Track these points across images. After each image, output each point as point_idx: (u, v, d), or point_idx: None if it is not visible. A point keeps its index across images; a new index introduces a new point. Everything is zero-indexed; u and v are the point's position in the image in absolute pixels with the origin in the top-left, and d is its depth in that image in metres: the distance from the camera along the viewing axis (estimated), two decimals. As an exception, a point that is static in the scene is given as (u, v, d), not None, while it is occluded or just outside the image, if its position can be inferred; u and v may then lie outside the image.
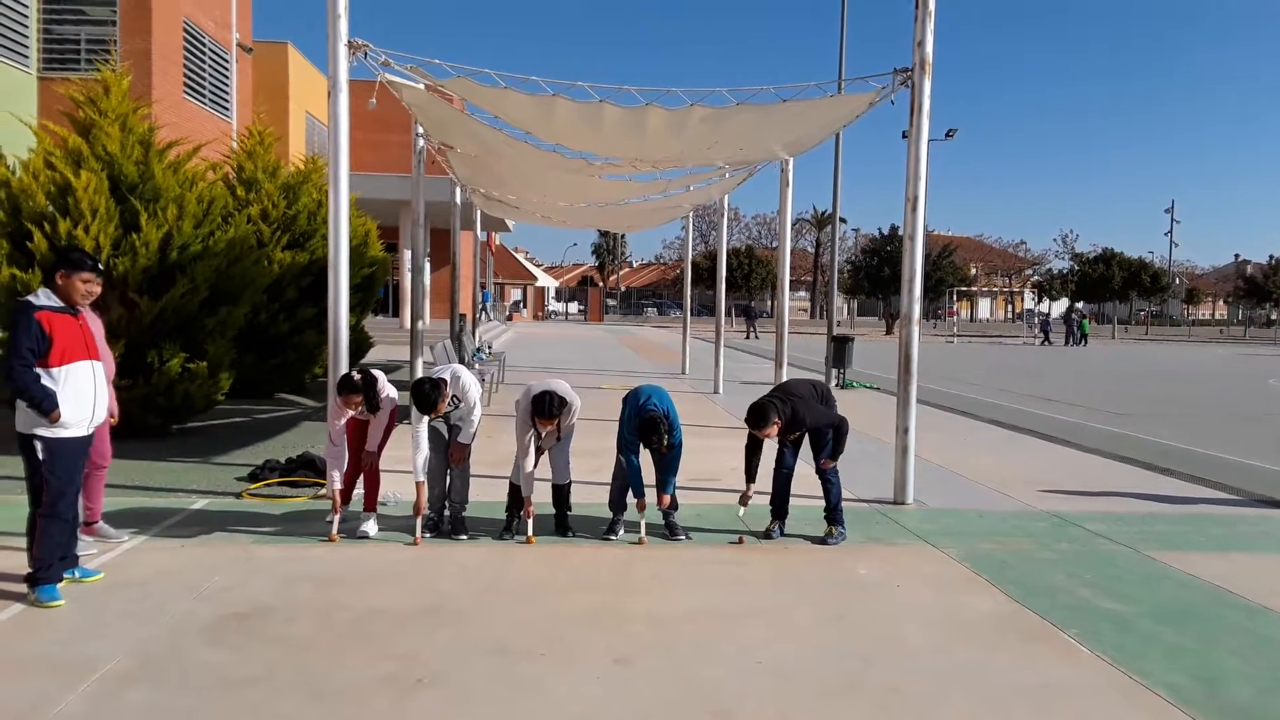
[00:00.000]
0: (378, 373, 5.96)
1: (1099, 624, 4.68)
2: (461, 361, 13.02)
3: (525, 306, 69.75)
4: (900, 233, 7.39)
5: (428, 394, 5.63)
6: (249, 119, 25.00)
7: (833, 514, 6.16)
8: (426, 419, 5.81)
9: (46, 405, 4.55)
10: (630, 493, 6.07)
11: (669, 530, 6.10)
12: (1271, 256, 64.32)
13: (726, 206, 15.39)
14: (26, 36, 18.77)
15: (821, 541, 6.08)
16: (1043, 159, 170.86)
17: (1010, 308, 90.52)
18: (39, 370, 4.57)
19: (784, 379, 11.66)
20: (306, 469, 7.20)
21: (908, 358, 7.34)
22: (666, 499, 6.05)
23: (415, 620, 4.47)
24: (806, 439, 6.27)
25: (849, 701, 3.73)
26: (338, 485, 5.83)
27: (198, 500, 6.76)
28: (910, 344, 7.32)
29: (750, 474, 6.19)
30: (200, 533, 5.89)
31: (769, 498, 6.34)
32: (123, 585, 4.86)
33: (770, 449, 6.27)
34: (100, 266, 5.02)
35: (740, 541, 6.06)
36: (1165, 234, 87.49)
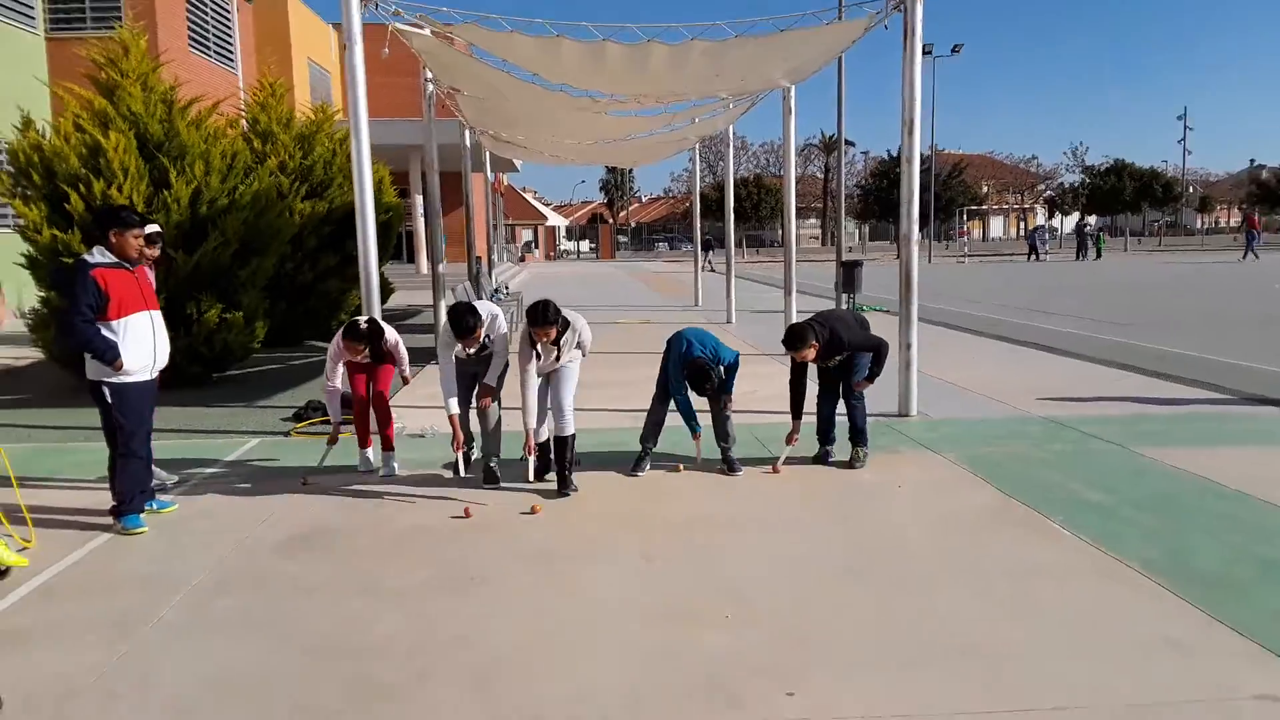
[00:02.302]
0: (384, 324, 6.29)
1: (1084, 513, 5.12)
2: (479, 300, 13.44)
3: (537, 247, 69.86)
4: (905, 154, 7.66)
5: (465, 319, 5.44)
6: (253, 69, 25.14)
7: (859, 436, 6.23)
8: (453, 355, 5.67)
9: (109, 355, 4.98)
10: (678, 424, 6.16)
11: (728, 466, 6.11)
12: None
13: (732, 136, 15.57)
14: (31, -2, 18.89)
15: (849, 465, 6.15)
16: (1053, 72, 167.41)
17: (1023, 225, 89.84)
18: (99, 324, 5.00)
19: (793, 306, 12.06)
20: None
21: (908, 277, 7.68)
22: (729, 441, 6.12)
23: (460, 534, 4.96)
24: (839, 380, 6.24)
25: (853, 584, 4.20)
26: (337, 417, 6.14)
27: (249, 440, 7.27)
28: (910, 264, 7.65)
29: (796, 410, 6.12)
30: (257, 467, 6.40)
31: (817, 433, 6.37)
32: (195, 516, 5.37)
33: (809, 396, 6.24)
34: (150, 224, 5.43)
35: (775, 470, 6.08)
36: (1178, 142, 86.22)
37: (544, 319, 5.38)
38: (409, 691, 3.26)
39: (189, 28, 21.30)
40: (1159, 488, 5.60)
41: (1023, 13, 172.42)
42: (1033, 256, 43.08)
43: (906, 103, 7.35)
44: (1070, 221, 70.42)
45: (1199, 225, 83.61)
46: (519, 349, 5.57)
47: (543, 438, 5.77)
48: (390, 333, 6.28)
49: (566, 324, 5.55)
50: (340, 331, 6.06)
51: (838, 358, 6.09)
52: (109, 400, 5.06)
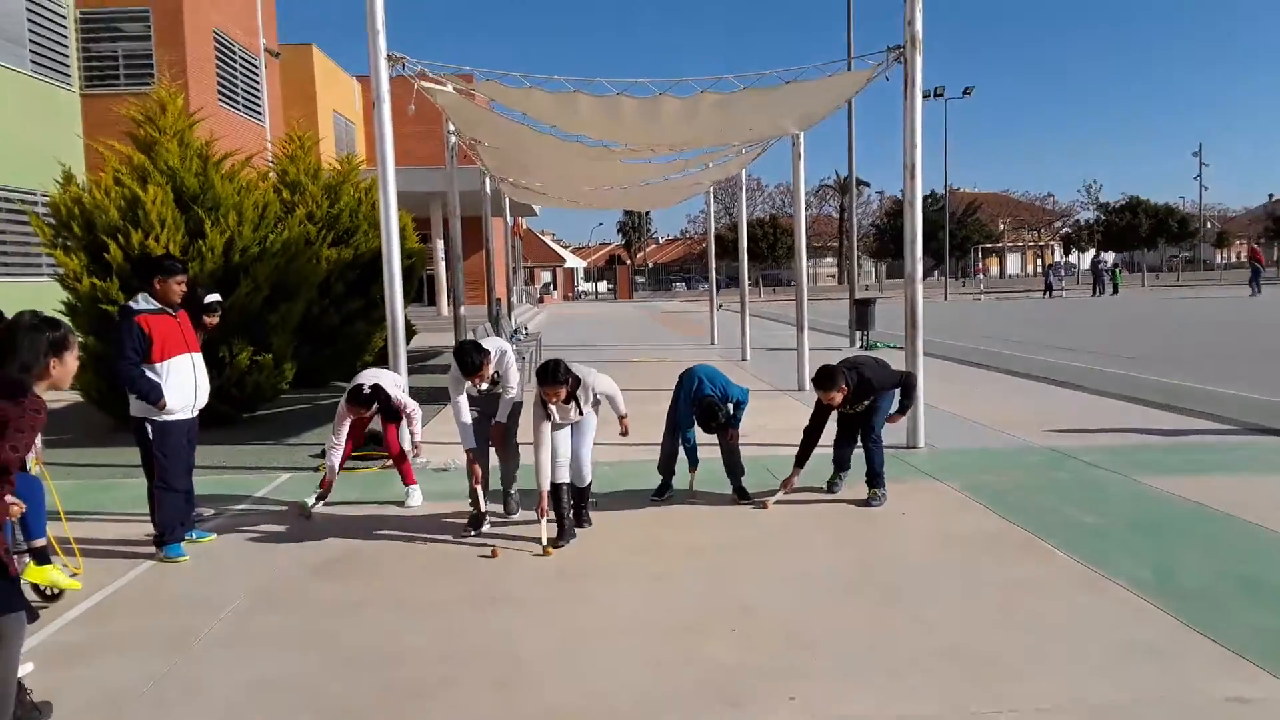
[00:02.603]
0: (385, 382, 6.63)
1: (1078, 534, 5.34)
2: (500, 342, 13.81)
3: (555, 288, 70.59)
4: (907, 198, 7.99)
5: (469, 356, 5.48)
6: (280, 121, 25.95)
7: (876, 478, 6.23)
8: (465, 394, 5.72)
9: (153, 396, 5.34)
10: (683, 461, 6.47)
11: (739, 495, 6.33)
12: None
13: (745, 181, 15.99)
14: (67, 57, 19.67)
15: (865, 504, 6.12)
16: (1070, 111, 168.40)
17: (1040, 262, 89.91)
18: (144, 367, 5.36)
19: (805, 343, 12.35)
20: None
21: (913, 314, 7.97)
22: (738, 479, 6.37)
23: (482, 559, 5.24)
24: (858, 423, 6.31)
25: (853, 597, 4.46)
26: (335, 473, 6.44)
27: (281, 475, 7.60)
28: (915, 302, 7.95)
29: (802, 457, 6.17)
30: (290, 500, 6.72)
31: (833, 461, 6.47)
32: (233, 544, 5.69)
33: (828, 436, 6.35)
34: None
35: (765, 507, 6.15)
36: (1194, 178, 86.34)
37: (553, 379, 5.30)
38: (435, 694, 3.54)
39: (218, 83, 22.08)
40: (1152, 511, 5.82)
41: (1040, 54, 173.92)
42: (1049, 293, 43.22)
43: (908, 148, 7.70)
44: (1087, 258, 70.56)
45: (1218, 260, 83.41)
46: (533, 411, 5.49)
47: (560, 479, 5.61)
48: (409, 404, 6.67)
49: (577, 382, 5.49)
50: (345, 396, 6.49)
51: (864, 403, 6.16)
52: (150, 437, 5.40)
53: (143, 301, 5.48)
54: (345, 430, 6.54)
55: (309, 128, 20.13)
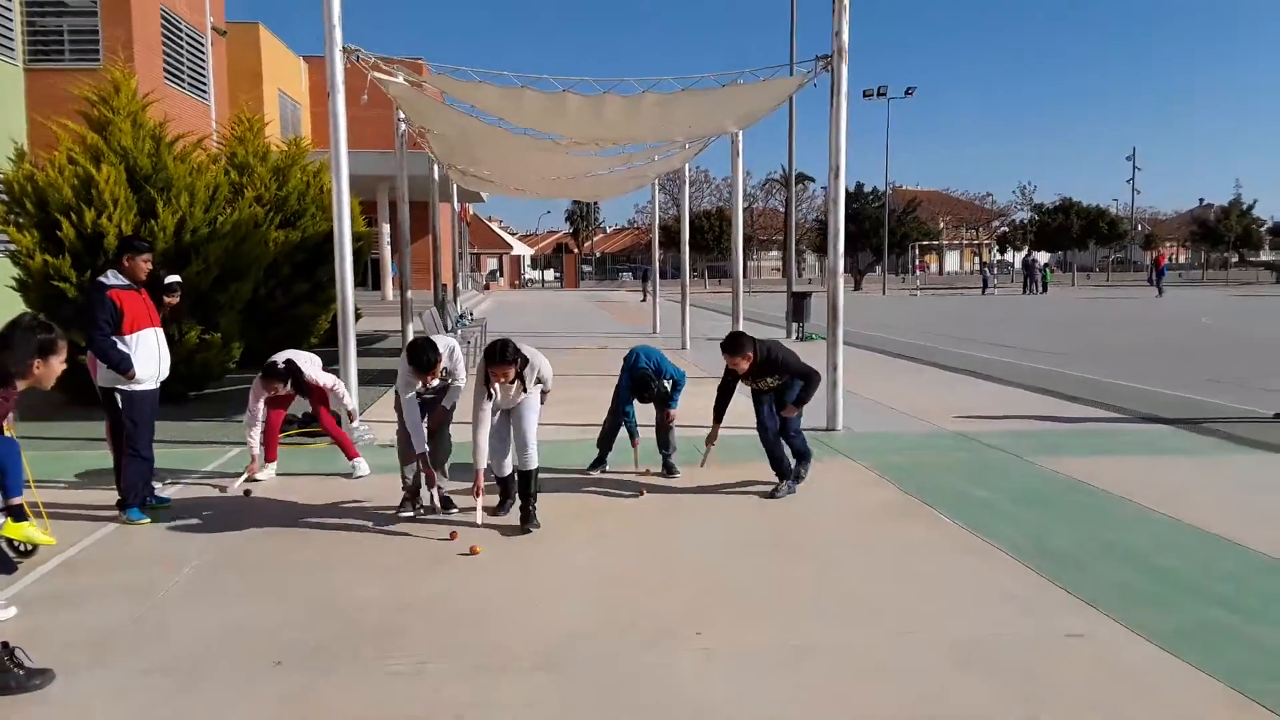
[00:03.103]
0: (300, 361, 6.90)
1: (968, 506, 5.96)
2: (445, 328, 14.16)
3: (501, 275, 70.51)
4: (831, 196, 8.55)
5: (425, 354, 5.48)
6: (225, 100, 25.76)
7: (802, 457, 6.53)
8: (414, 393, 5.65)
9: (124, 366, 5.67)
10: (625, 435, 6.97)
11: (666, 470, 6.85)
12: (1239, 196, 66.12)
13: (688, 175, 16.50)
14: (11, 30, 19.37)
15: (771, 496, 6.25)
16: (1012, 112, 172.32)
17: (978, 259, 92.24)
18: (115, 338, 5.69)
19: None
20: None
21: (834, 307, 8.55)
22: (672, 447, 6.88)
23: (432, 526, 5.67)
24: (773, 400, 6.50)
25: (763, 553, 5.01)
26: (256, 450, 6.74)
27: (230, 450, 7.90)
28: (836, 295, 8.53)
29: (718, 412, 6.45)
30: (241, 472, 7.05)
31: (772, 467, 6.48)
32: (189, 511, 6.02)
33: (748, 413, 6.61)
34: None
35: (700, 465, 6.62)
36: (1127, 181, 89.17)
37: (502, 358, 5.31)
38: (395, 635, 3.98)
39: (164, 60, 21.90)
40: (1037, 487, 6.47)
41: (984, 55, 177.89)
42: (985, 290, 44.64)
43: (833, 151, 8.26)
44: (1021, 257, 72.70)
45: (1147, 261, 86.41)
46: (475, 388, 5.48)
47: (505, 472, 5.76)
48: (326, 379, 7.00)
49: (525, 362, 5.53)
50: (261, 372, 6.74)
51: (769, 379, 6.33)
52: (119, 405, 5.72)
53: (112, 277, 5.80)
54: (260, 407, 6.78)
55: (255, 107, 20.16)
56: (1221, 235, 59.56)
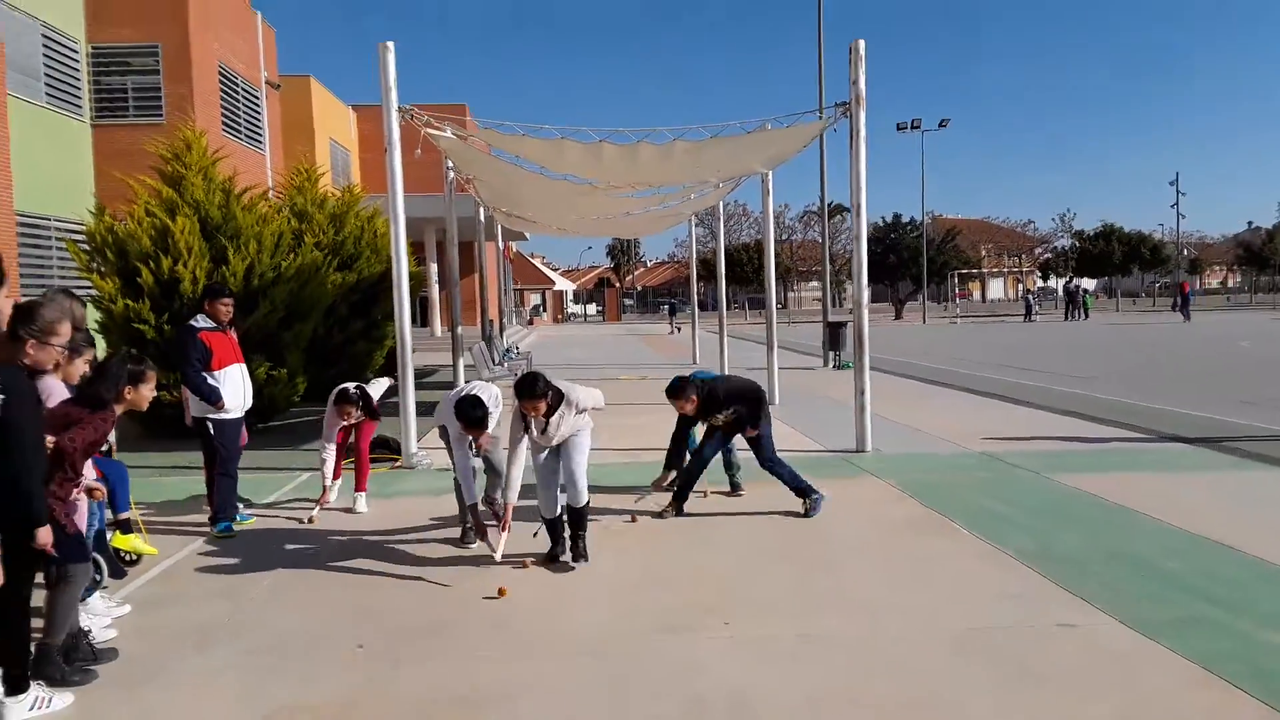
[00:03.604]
0: (370, 389, 7.37)
1: (984, 519, 6.36)
2: (493, 362, 14.81)
3: (545, 310, 71.60)
4: (854, 233, 9.04)
5: (473, 412, 5.50)
6: (280, 149, 26.98)
7: (798, 490, 6.67)
8: (467, 451, 5.75)
9: (213, 398, 6.35)
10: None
11: (734, 489, 7.24)
12: (1277, 224, 65.21)
13: (722, 211, 17.09)
14: (79, 89, 20.63)
15: (805, 515, 6.53)
16: (1054, 139, 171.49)
17: (1021, 286, 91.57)
18: (205, 374, 6.36)
19: (774, 362, 13.39)
20: (382, 448, 8.96)
21: (860, 336, 9.02)
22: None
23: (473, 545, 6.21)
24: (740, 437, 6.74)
25: (784, 562, 5.47)
26: (328, 481, 7.01)
27: (301, 475, 8.56)
28: (862, 325, 9.00)
29: (670, 460, 6.53)
30: (311, 495, 7.67)
31: (683, 468, 6.69)
32: (269, 528, 6.65)
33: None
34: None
35: (633, 520, 6.50)
36: (1171, 206, 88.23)
37: (531, 392, 5.25)
38: (442, 631, 4.52)
39: (222, 114, 23.12)
40: (1052, 501, 6.85)
41: (1027, 83, 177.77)
42: (1028, 317, 44.51)
43: (854, 190, 8.78)
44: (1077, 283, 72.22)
45: (1198, 286, 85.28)
46: (510, 424, 5.47)
47: (553, 513, 5.58)
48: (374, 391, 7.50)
49: (560, 397, 5.41)
50: (332, 398, 7.02)
51: (719, 415, 6.53)
52: (210, 432, 6.39)
53: (201, 321, 6.50)
54: (335, 433, 7.11)
55: (308, 156, 21.18)
56: (1267, 259, 58.70)
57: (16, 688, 3.65)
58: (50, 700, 3.72)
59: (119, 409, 4.42)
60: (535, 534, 5.72)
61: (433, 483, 7.87)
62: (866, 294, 9.01)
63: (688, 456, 6.74)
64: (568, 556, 5.55)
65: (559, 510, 5.60)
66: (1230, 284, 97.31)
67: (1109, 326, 36.72)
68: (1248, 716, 3.44)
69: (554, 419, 5.44)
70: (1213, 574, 5.09)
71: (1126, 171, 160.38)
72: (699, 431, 6.90)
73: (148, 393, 4.56)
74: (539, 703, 3.71)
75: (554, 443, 5.56)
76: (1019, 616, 4.51)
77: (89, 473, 4.35)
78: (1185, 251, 76.32)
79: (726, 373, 7.18)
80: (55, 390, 4.35)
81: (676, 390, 6.43)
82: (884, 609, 4.65)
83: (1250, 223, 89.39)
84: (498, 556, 5.41)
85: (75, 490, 4.13)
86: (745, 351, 24.31)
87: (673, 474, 6.57)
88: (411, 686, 3.88)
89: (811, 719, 3.51)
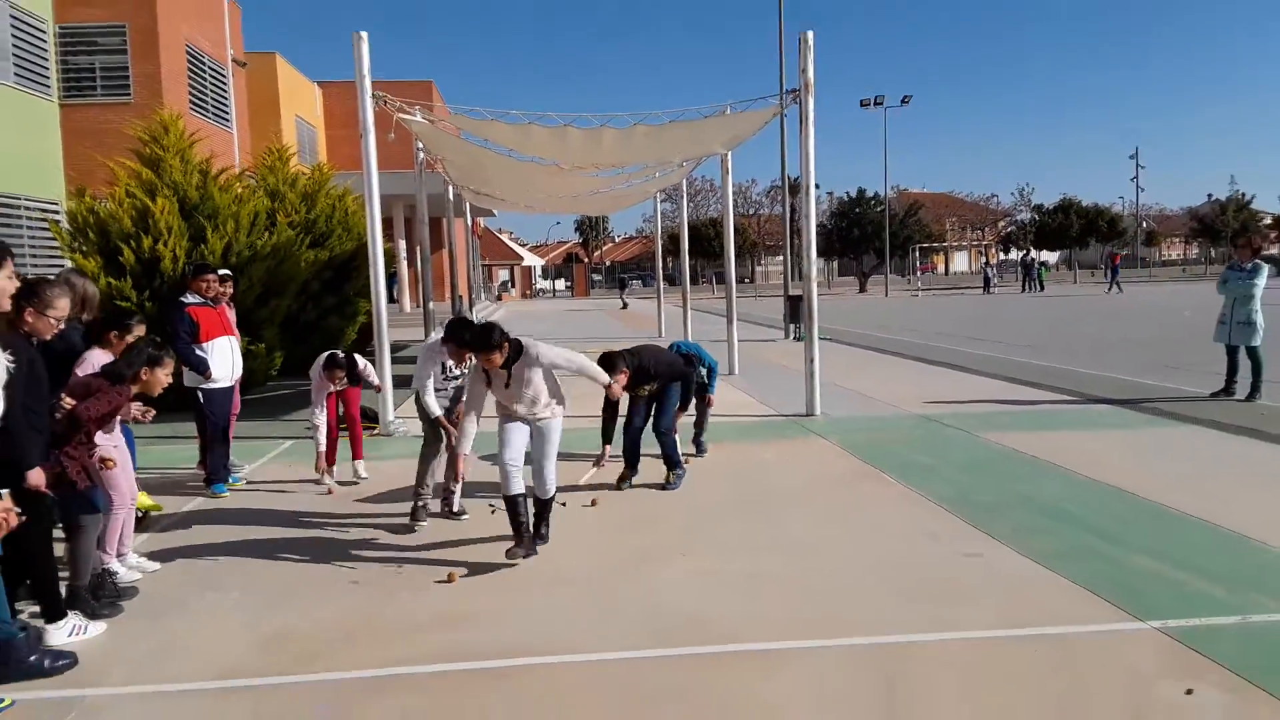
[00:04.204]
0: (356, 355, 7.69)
1: (914, 472, 7.04)
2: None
3: (513, 286, 71.80)
4: (804, 211, 9.66)
5: (464, 332, 5.48)
6: (246, 127, 27.08)
7: (669, 461, 6.89)
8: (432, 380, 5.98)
9: (201, 369, 6.85)
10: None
11: (698, 450, 7.82)
12: (1233, 192, 66.80)
13: (685, 189, 17.62)
14: (47, 68, 20.67)
15: (663, 487, 6.76)
16: (1017, 114, 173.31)
17: (984, 260, 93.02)
18: (193, 346, 6.86)
19: (734, 334, 14.04)
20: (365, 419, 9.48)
21: (810, 309, 9.65)
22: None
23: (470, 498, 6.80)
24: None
25: (734, 512, 6.12)
26: (322, 447, 6.93)
27: (285, 442, 9.08)
28: (812, 299, 9.63)
29: (606, 435, 6.70)
30: (297, 459, 8.21)
31: (622, 453, 7.01)
32: (258, 488, 7.19)
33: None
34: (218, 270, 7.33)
35: (593, 504, 6.42)
36: (1131, 179, 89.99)
37: (487, 343, 5.00)
38: (437, 567, 5.11)
39: (190, 92, 23.23)
40: (976, 456, 7.56)
41: (989, 58, 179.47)
42: (986, 289, 45.59)
43: (804, 172, 9.37)
44: (1029, 257, 73.57)
45: (1157, 258, 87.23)
46: (469, 380, 5.39)
47: (514, 490, 5.22)
48: (360, 359, 7.84)
49: (518, 349, 5.15)
50: (321, 363, 7.09)
51: (645, 387, 6.77)
52: (201, 401, 6.90)
53: (190, 296, 6.99)
54: (325, 398, 7.19)
55: (275, 134, 21.39)
56: (1219, 231, 60.32)
57: (54, 616, 4.20)
58: (86, 628, 4.27)
59: (135, 388, 4.93)
60: (494, 511, 6.15)
61: (413, 446, 8.40)
62: (815, 269, 9.64)
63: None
64: (522, 551, 5.18)
65: (519, 490, 5.21)
66: (1189, 256, 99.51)
67: (1061, 299, 37.81)
68: (1101, 613, 4.15)
69: (514, 371, 5.13)
70: (1105, 514, 5.79)
71: (1090, 146, 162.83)
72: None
73: (163, 377, 5.01)
74: (523, 620, 4.32)
75: (519, 407, 5.24)
76: (932, 550, 5.19)
77: (119, 441, 4.91)
78: (1144, 224, 77.98)
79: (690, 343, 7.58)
80: (98, 362, 4.91)
81: (609, 364, 6.34)
82: (817, 546, 5.31)
83: (1210, 195, 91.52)
84: (456, 505, 5.94)
85: (91, 456, 4.66)
86: (710, 324, 24.97)
87: (609, 447, 6.74)
88: (404, 610, 4.48)
89: (751, 630, 4.15)
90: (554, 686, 3.66)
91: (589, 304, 49.23)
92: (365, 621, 4.38)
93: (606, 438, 6.72)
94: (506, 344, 5.08)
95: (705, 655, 3.90)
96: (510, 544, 5.19)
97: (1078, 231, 57.15)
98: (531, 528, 5.33)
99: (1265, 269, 10.20)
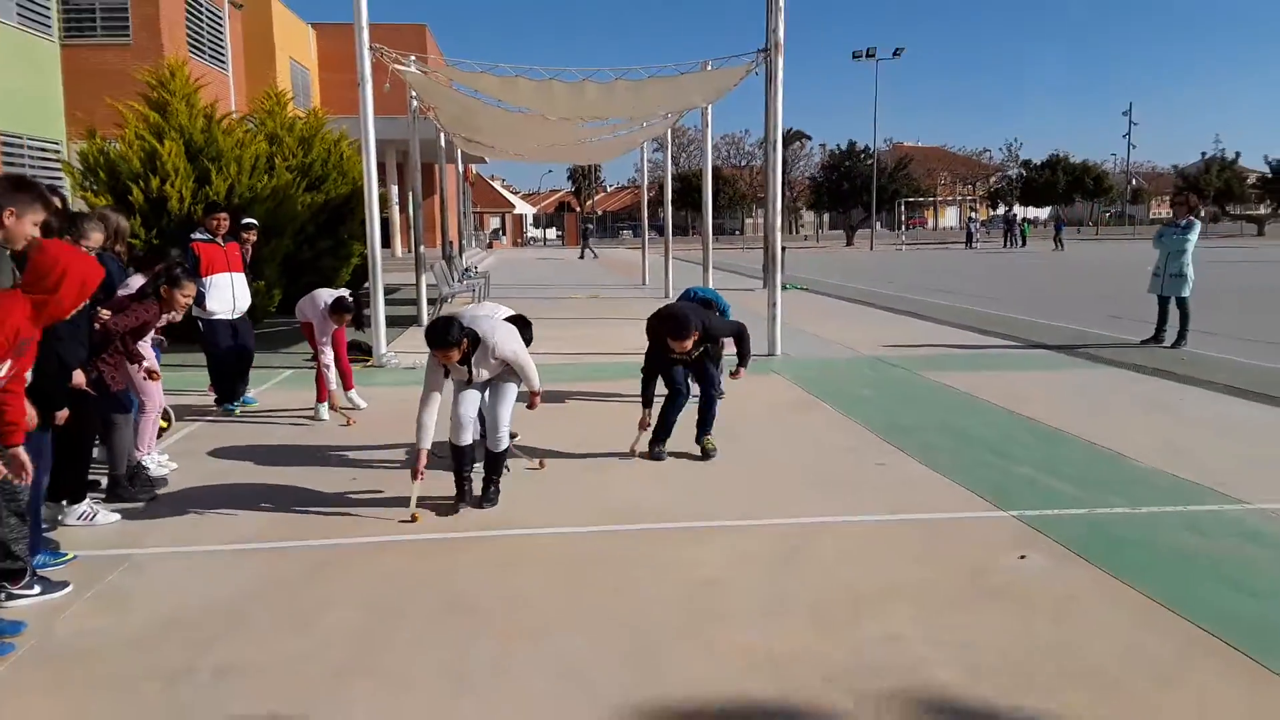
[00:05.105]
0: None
1: (853, 402, 7.90)
2: (452, 280, 16.06)
3: (504, 234, 72.18)
4: (771, 164, 10.39)
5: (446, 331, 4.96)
6: (241, 69, 27.42)
7: (704, 427, 6.37)
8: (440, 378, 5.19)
9: (199, 301, 7.60)
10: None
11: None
12: (1218, 151, 67.40)
13: (670, 140, 18.29)
14: (48, 9, 21.02)
15: (705, 456, 6.21)
16: (1013, 67, 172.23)
17: (974, 214, 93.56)
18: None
19: (710, 281, 14.82)
20: (355, 350, 10.27)
21: (774, 257, 10.43)
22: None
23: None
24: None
25: (688, 434, 6.96)
26: (333, 385, 7.51)
27: (284, 371, 9.90)
28: (775, 246, 10.41)
29: (646, 400, 6.15)
30: (297, 386, 9.02)
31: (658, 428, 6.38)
32: (266, 408, 8.01)
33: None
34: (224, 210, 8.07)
35: (540, 466, 6.09)
36: (1123, 136, 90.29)
37: (444, 341, 4.88)
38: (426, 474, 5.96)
39: (188, 33, 23.60)
40: (911, 390, 8.42)
41: (986, 10, 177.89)
42: (969, 244, 46.36)
43: (769, 128, 10.11)
44: (1019, 212, 74.22)
45: (1146, 216, 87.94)
46: (427, 371, 5.14)
47: (464, 441, 5.21)
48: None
49: (475, 342, 5.02)
50: (327, 306, 7.31)
51: (701, 347, 6.14)
52: (201, 330, 7.70)
53: (198, 233, 7.74)
54: (330, 336, 7.69)
55: (269, 76, 21.80)
56: (1203, 190, 61.00)
57: (75, 498, 5.00)
58: (96, 515, 5.03)
59: (159, 307, 5.68)
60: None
61: (402, 377, 9.24)
62: (779, 220, 10.43)
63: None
64: (468, 505, 5.19)
65: (469, 440, 5.22)
66: (1165, 213, 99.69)
67: (1040, 254, 38.60)
68: (971, 506, 5.04)
69: (472, 364, 5.09)
70: (1005, 437, 6.66)
71: (1087, 104, 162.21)
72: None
73: (181, 297, 5.69)
74: (489, 509, 5.18)
75: (478, 381, 5.23)
76: (850, 460, 6.07)
77: (150, 357, 5.71)
78: (1133, 181, 78.49)
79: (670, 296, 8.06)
80: (135, 285, 5.78)
81: (681, 329, 5.73)
82: (756, 458, 6.18)
83: (1205, 154, 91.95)
84: (411, 508, 5.01)
85: (137, 368, 5.48)
86: (693, 274, 25.71)
87: (649, 410, 6.18)
88: (397, 495, 5.33)
89: (685, 513, 5.01)
90: (510, 553, 4.53)
91: (578, 252, 49.84)
92: (359, 506, 5.23)
93: (647, 401, 6.12)
94: (465, 340, 4.93)
95: (642, 530, 4.77)
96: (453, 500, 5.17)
97: (1064, 188, 57.80)
98: (483, 483, 5.26)
99: (1198, 226, 11.03)
